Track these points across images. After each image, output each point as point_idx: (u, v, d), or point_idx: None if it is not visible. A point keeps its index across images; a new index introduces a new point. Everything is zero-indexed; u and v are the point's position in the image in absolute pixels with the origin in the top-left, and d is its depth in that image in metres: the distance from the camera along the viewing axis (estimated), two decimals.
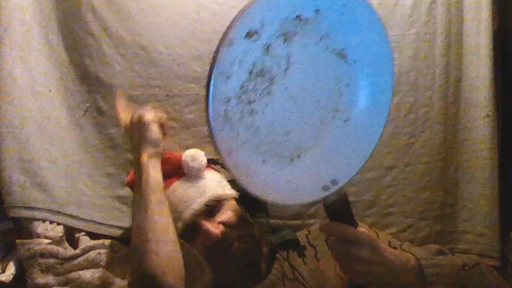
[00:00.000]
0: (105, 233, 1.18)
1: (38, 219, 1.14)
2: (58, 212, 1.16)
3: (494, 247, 1.14)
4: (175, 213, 0.94)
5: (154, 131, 0.94)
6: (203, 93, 1.17)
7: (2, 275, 1.10)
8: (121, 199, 1.19)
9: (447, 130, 1.19)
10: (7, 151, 1.14)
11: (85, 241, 1.15)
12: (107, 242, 1.15)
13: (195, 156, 1.00)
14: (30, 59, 1.19)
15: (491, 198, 1.15)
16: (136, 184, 0.91)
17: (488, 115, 1.16)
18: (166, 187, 0.97)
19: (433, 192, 1.18)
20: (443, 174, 1.18)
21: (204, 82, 1.20)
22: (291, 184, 0.73)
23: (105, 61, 1.21)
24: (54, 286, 1.08)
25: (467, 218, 1.18)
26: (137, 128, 0.95)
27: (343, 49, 0.72)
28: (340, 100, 0.75)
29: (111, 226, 1.18)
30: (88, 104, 1.23)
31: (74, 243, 1.15)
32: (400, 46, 1.18)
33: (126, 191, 1.18)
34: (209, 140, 0.62)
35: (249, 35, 0.62)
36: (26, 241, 1.10)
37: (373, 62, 0.74)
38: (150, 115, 0.95)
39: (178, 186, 0.99)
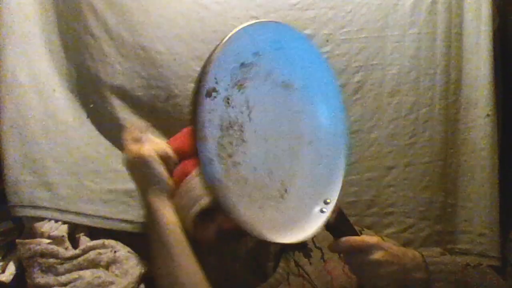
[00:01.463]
0: (113, 228, 1.18)
1: (45, 218, 1.14)
2: (65, 211, 1.16)
3: (494, 247, 1.14)
4: (201, 191, 0.93)
5: (156, 169, 0.89)
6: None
7: (2, 275, 1.09)
8: (128, 193, 1.19)
9: (447, 130, 1.19)
10: (12, 150, 1.14)
11: (85, 241, 1.15)
12: (107, 242, 1.14)
13: None
14: (33, 59, 1.19)
15: (491, 198, 1.15)
16: (149, 227, 0.89)
17: (488, 115, 1.16)
18: (195, 164, 0.94)
19: (434, 192, 1.18)
20: (444, 174, 1.18)
21: None
22: (293, 218, 0.77)
23: (105, 61, 1.21)
24: (54, 286, 1.08)
25: (467, 218, 1.18)
26: (137, 166, 0.90)
27: (287, 80, 0.80)
28: (299, 126, 0.82)
29: (120, 220, 1.18)
30: (91, 105, 1.23)
31: (74, 243, 1.15)
32: (401, 46, 1.18)
33: (133, 185, 1.18)
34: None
35: (208, 94, 0.69)
36: (26, 241, 1.10)
37: (316, 83, 0.81)
38: (148, 149, 0.89)
39: None
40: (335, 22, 1.19)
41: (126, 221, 1.19)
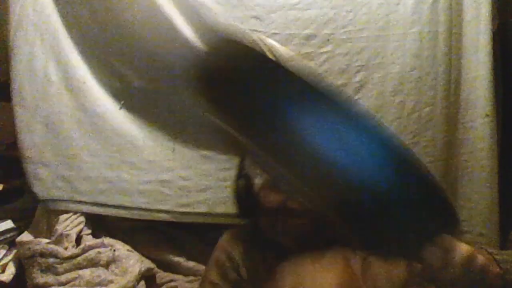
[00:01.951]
0: (150, 219, 1.19)
1: (85, 213, 1.17)
2: (104, 204, 1.18)
3: (493, 247, 1.14)
4: None
5: None
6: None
7: (2, 275, 1.09)
8: (164, 182, 1.20)
9: (449, 130, 1.18)
10: (48, 149, 1.15)
11: (87, 240, 1.15)
12: (106, 241, 1.14)
13: None
14: (61, 54, 1.19)
15: (490, 198, 1.15)
16: None
17: (487, 115, 1.15)
18: None
19: None
20: (445, 174, 1.18)
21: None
22: None
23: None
24: (54, 285, 1.07)
25: (467, 218, 1.17)
26: None
27: None
28: None
29: (157, 210, 1.20)
30: (122, 102, 1.23)
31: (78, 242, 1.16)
32: (403, 45, 1.18)
33: (169, 175, 1.20)
34: None
35: None
36: (26, 240, 1.10)
37: None
38: None
39: None
40: (336, 22, 1.19)
41: (163, 211, 1.20)
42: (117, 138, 1.21)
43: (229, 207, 1.09)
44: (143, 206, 1.19)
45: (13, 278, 1.10)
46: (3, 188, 1.18)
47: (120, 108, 1.22)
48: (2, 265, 1.11)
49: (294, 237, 0.87)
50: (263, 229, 0.89)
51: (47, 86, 1.16)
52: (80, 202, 1.16)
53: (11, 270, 1.10)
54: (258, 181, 0.91)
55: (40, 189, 1.14)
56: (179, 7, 1.17)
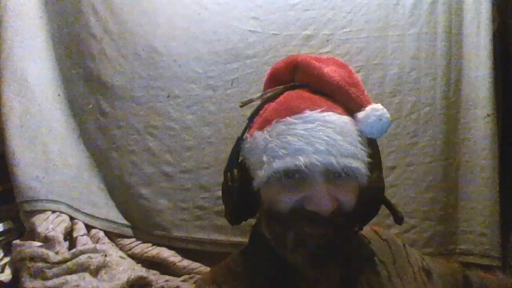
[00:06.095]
0: (118, 232, 1.21)
1: (62, 212, 1.16)
2: (77, 210, 1.19)
3: (495, 247, 1.13)
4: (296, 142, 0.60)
5: None
6: (203, 93, 1.18)
7: (1, 274, 1.09)
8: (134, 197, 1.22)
9: (448, 130, 1.18)
10: (22, 149, 1.15)
11: (82, 242, 1.14)
12: (99, 246, 1.14)
13: (383, 114, 0.66)
14: (40, 63, 1.21)
15: (491, 198, 1.14)
16: None
17: (488, 115, 1.15)
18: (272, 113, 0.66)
19: (436, 193, 1.17)
20: (445, 174, 1.18)
21: (204, 82, 1.21)
22: None
23: (106, 62, 1.22)
24: None
25: (468, 218, 1.17)
26: None
27: None
28: None
29: (124, 225, 1.23)
30: (90, 106, 1.23)
31: (72, 244, 1.16)
32: (401, 46, 1.18)
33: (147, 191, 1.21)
34: None
35: None
36: (20, 242, 1.10)
37: None
38: None
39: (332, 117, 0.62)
40: (335, 23, 1.20)
41: (129, 226, 1.23)
42: (86, 151, 1.25)
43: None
44: (112, 219, 1.21)
45: (12, 278, 1.10)
46: (3, 189, 1.18)
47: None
48: (1, 265, 1.11)
49: (310, 253, 0.60)
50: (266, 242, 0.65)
51: (25, 89, 1.18)
52: (56, 201, 1.16)
53: (10, 270, 1.10)
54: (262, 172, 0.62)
55: (15, 191, 1.14)
56: None
